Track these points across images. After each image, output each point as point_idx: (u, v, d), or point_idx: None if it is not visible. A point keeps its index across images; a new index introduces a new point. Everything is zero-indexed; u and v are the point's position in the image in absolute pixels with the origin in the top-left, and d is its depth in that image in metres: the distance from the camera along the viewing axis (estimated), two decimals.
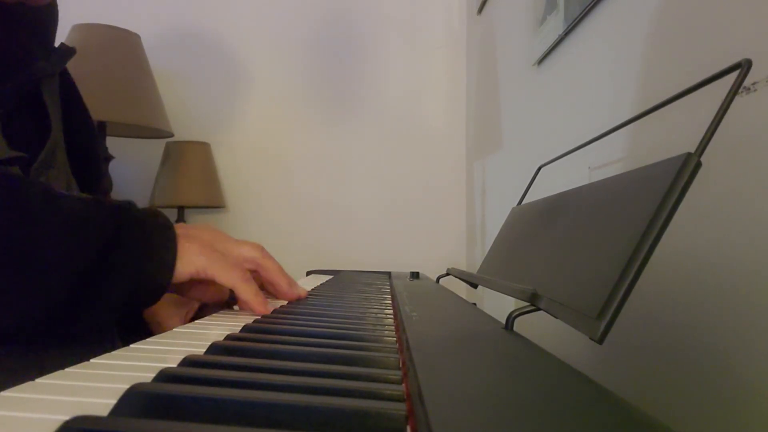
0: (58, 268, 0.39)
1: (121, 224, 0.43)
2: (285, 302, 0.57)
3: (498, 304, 1.21)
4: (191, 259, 0.47)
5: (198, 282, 0.50)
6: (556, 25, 0.89)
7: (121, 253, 0.42)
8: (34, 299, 0.38)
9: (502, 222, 0.72)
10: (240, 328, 0.38)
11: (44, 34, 0.61)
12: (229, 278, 0.48)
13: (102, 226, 0.42)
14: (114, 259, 0.42)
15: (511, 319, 0.36)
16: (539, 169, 0.72)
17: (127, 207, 0.46)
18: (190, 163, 1.68)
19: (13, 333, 0.39)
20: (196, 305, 0.61)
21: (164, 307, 0.57)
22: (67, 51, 0.63)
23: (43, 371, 0.26)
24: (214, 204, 1.72)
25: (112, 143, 1.42)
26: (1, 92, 0.52)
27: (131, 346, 0.33)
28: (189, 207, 1.72)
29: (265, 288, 0.58)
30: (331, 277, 1.08)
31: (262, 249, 0.55)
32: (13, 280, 0.37)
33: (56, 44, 0.64)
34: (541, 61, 1.00)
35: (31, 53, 0.58)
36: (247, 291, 0.49)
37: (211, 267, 0.47)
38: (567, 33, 0.85)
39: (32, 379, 0.25)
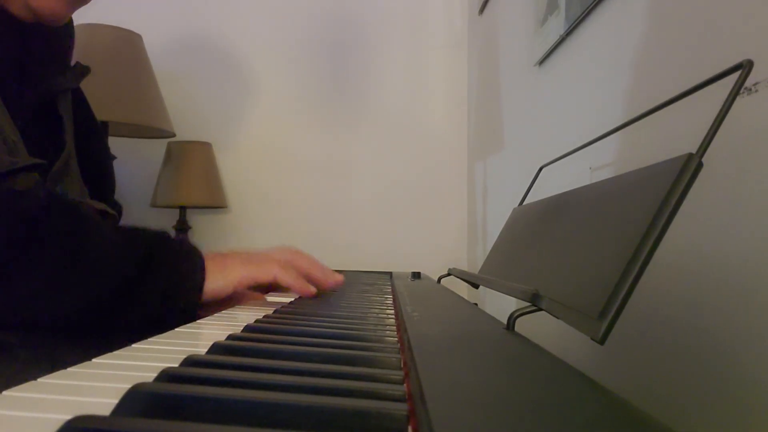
0: (104, 277, 0.47)
1: (153, 250, 0.51)
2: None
3: (499, 305, 1.21)
4: (233, 274, 0.54)
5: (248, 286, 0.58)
6: (557, 25, 0.89)
7: (153, 272, 0.50)
8: (82, 298, 0.46)
9: (504, 222, 0.72)
10: (242, 328, 0.38)
11: (61, 52, 0.67)
12: (269, 274, 0.56)
13: (137, 253, 0.50)
14: (147, 276, 0.49)
15: (512, 319, 0.36)
16: (541, 169, 0.72)
17: (162, 237, 0.53)
18: (192, 163, 1.68)
19: (61, 322, 0.46)
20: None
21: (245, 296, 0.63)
22: (82, 70, 0.69)
23: (54, 363, 0.26)
24: (216, 204, 1.72)
25: (114, 143, 1.41)
26: (19, 105, 0.56)
27: (133, 345, 0.33)
28: (190, 207, 1.72)
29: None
30: None
31: (293, 250, 0.62)
32: (70, 280, 0.46)
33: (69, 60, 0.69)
34: (542, 61, 1.00)
35: (48, 69, 0.63)
36: (286, 277, 0.57)
37: (252, 273, 0.56)
38: (568, 33, 0.85)
39: (44, 369, 0.25)
